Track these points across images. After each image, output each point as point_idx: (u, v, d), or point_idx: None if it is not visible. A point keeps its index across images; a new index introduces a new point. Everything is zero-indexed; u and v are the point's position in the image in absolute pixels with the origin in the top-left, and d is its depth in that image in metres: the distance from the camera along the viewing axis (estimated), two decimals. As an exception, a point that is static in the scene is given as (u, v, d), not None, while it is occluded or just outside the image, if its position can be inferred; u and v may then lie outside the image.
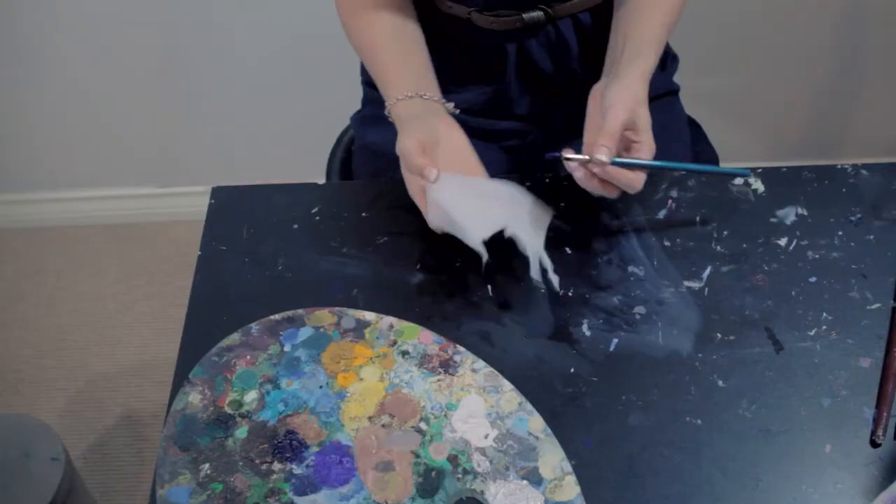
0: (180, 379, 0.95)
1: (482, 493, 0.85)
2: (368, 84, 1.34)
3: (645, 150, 0.97)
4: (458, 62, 1.23)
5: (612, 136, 0.95)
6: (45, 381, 1.99)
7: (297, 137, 2.04)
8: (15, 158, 2.20)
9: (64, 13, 1.93)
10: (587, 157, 0.96)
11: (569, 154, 0.97)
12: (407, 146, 1.00)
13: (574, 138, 1.22)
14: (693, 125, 1.35)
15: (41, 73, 2.03)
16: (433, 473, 0.87)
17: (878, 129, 2.10)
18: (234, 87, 2.04)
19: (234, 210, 1.11)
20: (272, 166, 2.10)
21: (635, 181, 0.96)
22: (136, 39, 1.96)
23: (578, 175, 0.97)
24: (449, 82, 1.16)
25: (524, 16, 1.18)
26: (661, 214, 1.07)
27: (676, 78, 1.32)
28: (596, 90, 1.03)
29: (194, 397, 0.93)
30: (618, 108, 0.96)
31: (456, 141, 1.06)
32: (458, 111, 1.13)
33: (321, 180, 1.41)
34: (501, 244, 0.99)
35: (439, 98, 1.11)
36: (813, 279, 1.00)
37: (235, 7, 1.91)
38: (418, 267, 1.03)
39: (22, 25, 1.95)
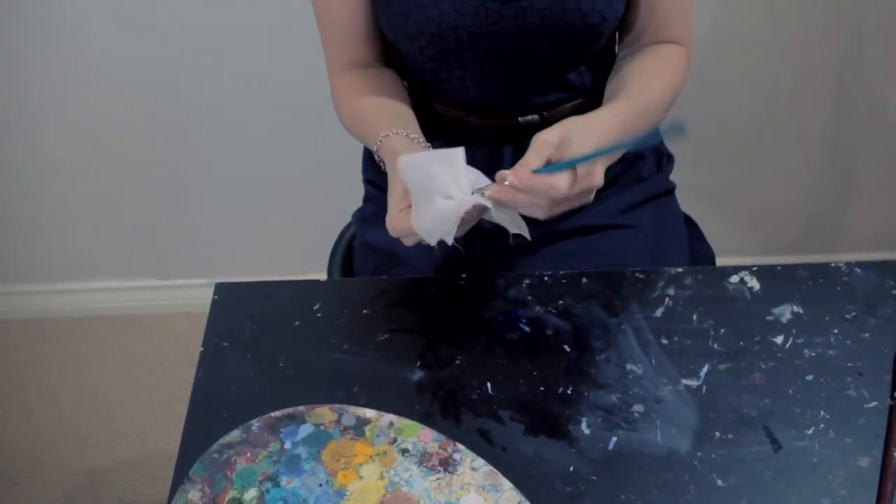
0: (180, 475, 0.95)
1: None
2: (369, 182, 1.36)
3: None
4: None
5: (528, 161, 0.94)
6: (42, 473, 1.98)
7: (299, 232, 2.06)
8: (17, 250, 2.22)
9: (65, 105, 1.97)
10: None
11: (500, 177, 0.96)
12: (392, 215, 1.00)
13: (569, 236, 1.24)
14: (689, 223, 1.38)
15: (42, 166, 2.06)
16: (432, 574, 0.87)
17: (871, 225, 2.13)
18: (237, 183, 2.07)
19: (236, 306, 1.12)
20: (274, 260, 2.12)
21: (554, 184, 0.94)
22: (139, 132, 2.00)
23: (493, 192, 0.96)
24: None
25: (520, 119, 1.22)
26: (659, 312, 1.08)
27: (672, 176, 1.35)
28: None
29: (194, 495, 0.93)
30: (544, 133, 0.96)
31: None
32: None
33: (323, 275, 1.43)
34: (500, 345, 1.00)
35: (423, 140, 1.12)
36: (810, 377, 1.01)
37: (240, 103, 1.95)
38: (418, 364, 1.04)
39: (25, 117, 1.99)
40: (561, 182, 0.94)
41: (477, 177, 0.99)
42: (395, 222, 0.99)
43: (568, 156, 0.95)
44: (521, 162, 0.95)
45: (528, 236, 0.99)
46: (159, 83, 1.94)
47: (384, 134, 1.10)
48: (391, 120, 1.14)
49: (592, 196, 0.99)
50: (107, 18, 1.86)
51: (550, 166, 0.95)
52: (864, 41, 1.88)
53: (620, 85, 1.15)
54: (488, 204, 0.96)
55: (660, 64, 1.18)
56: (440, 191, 0.95)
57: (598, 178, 0.97)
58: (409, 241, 1.00)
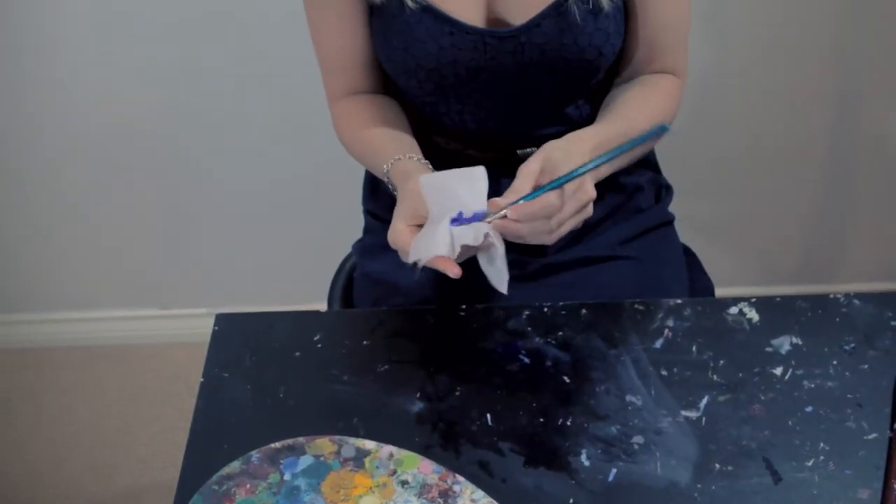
0: (180, 508, 0.95)
1: None
2: (370, 213, 1.37)
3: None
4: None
5: (514, 189, 0.98)
6: (40, 505, 1.98)
7: (300, 262, 2.07)
8: (16, 280, 2.22)
9: (66, 138, 1.98)
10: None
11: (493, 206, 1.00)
12: (396, 228, 1.02)
13: (569, 268, 1.25)
14: (688, 254, 1.38)
15: (41, 195, 2.07)
16: None
17: (870, 255, 2.13)
18: (237, 212, 2.08)
19: (237, 337, 1.13)
20: (274, 290, 2.13)
21: (547, 202, 0.97)
22: (138, 161, 2.01)
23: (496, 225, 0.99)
24: None
25: (519, 152, 1.23)
26: (658, 344, 1.08)
27: (671, 207, 1.35)
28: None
29: (193, 527, 0.93)
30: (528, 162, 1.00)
31: None
32: None
33: (323, 305, 1.43)
34: (498, 375, 1.00)
35: (428, 163, 1.13)
36: (809, 409, 1.01)
37: (239, 133, 1.96)
38: (418, 395, 1.04)
39: (27, 149, 2.00)
40: (553, 197, 0.98)
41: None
42: (397, 237, 1.01)
43: (554, 178, 0.99)
44: (510, 189, 0.99)
45: (504, 292, 1.00)
46: (159, 116, 1.95)
47: (396, 157, 1.12)
48: (398, 146, 1.16)
49: (591, 209, 1.02)
50: (108, 56, 1.88)
51: (539, 189, 0.99)
52: (861, 73, 1.90)
53: (608, 110, 1.17)
54: (497, 241, 0.98)
55: (650, 92, 1.19)
56: (462, 208, 0.99)
57: (591, 191, 1.01)
58: (405, 258, 1.02)
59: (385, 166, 1.13)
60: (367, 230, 1.39)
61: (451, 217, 0.99)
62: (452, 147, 1.25)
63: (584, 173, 0.99)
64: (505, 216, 0.98)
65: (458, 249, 0.98)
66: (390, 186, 1.14)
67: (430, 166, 1.13)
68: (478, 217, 0.99)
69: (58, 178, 2.05)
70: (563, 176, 0.99)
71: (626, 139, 1.09)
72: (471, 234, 0.98)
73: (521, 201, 0.99)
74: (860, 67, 1.89)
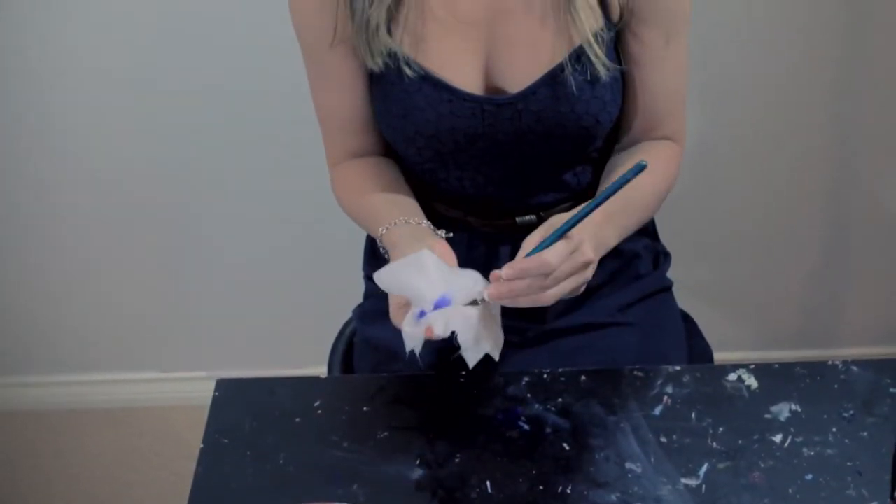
0: (178, 576, 0.94)
1: None
2: (369, 278, 1.38)
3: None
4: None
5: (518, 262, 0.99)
6: (34, 570, 1.95)
7: (300, 326, 2.07)
8: (15, 342, 2.22)
9: (64, 197, 1.99)
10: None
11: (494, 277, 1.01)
12: (393, 305, 1.04)
13: (569, 334, 1.26)
14: (686, 319, 1.39)
15: (40, 256, 2.08)
16: None
17: (868, 318, 2.14)
18: (238, 275, 2.09)
19: (237, 402, 1.13)
20: (275, 353, 2.12)
21: (544, 261, 0.99)
22: (138, 224, 2.02)
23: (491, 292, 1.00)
24: None
25: (517, 220, 1.24)
26: (657, 410, 1.08)
27: (669, 273, 1.36)
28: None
29: None
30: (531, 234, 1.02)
31: (449, 262, 1.07)
32: (451, 235, 1.16)
33: (323, 368, 1.44)
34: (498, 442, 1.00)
35: (428, 224, 1.15)
36: (809, 476, 1.01)
37: (241, 197, 1.98)
38: (418, 462, 1.04)
39: (23, 207, 2.02)
40: (550, 255, 0.99)
41: (472, 279, 1.02)
42: (394, 318, 1.03)
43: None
44: (513, 262, 1.00)
45: (470, 366, 1.02)
46: (159, 180, 1.97)
47: (386, 226, 1.13)
48: (393, 208, 1.17)
49: (590, 273, 1.03)
50: (109, 121, 1.91)
51: (538, 246, 1.01)
52: (858, 137, 1.92)
53: (609, 179, 1.18)
54: (457, 327, 0.99)
55: (651, 161, 1.20)
56: (415, 296, 1.00)
57: (588, 252, 1.02)
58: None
59: (378, 234, 1.15)
60: (367, 295, 1.40)
61: (418, 311, 1.00)
62: (452, 214, 1.27)
63: (576, 222, 1.01)
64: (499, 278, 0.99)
65: (448, 333, 0.99)
66: (382, 250, 1.15)
67: (424, 223, 1.14)
68: (445, 303, 1.00)
69: (57, 241, 2.06)
70: (558, 228, 1.01)
71: (631, 209, 1.12)
72: (459, 318, 1.00)
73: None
74: (857, 132, 1.92)
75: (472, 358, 1.01)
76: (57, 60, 1.85)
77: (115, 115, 1.91)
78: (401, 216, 1.14)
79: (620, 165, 1.21)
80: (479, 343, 1.01)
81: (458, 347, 1.01)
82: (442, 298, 1.00)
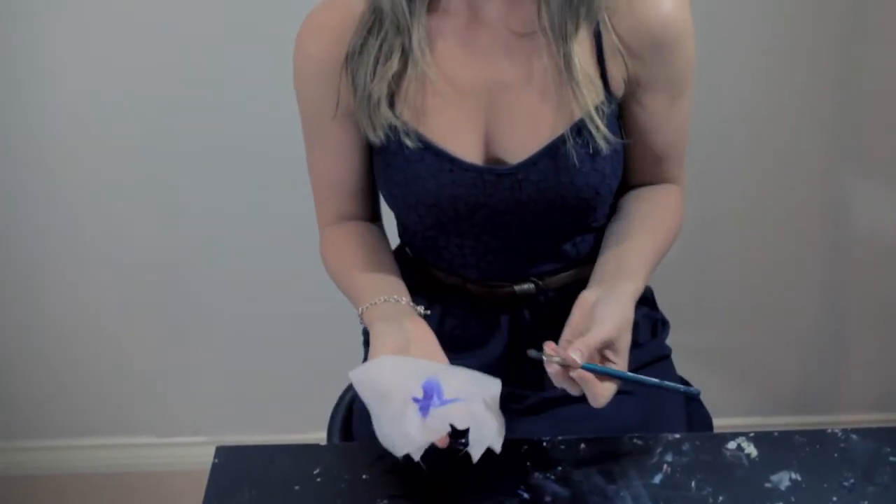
0: None
1: None
2: (368, 345, 1.38)
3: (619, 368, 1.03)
4: (452, 329, 1.29)
5: (590, 346, 1.01)
6: None
7: (300, 392, 2.06)
8: (13, 407, 2.21)
9: (64, 265, 2.00)
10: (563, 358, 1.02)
11: (550, 349, 1.02)
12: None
13: (569, 402, 1.25)
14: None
15: (36, 320, 2.08)
16: None
17: (867, 384, 2.14)
18: (237, 340, 2.09)
19: (236, 470, 1.12)
20: (274, 418, 2.12)
21: (600, 395, 1.02)
22: (136, 288, 2.03)
23: (551, 370, 1.02)
24: (443, 348, 1.21)
25: (516, 288, 1.25)
26: (657, 479, 1.08)
27: (668, 340, 1.37)
28: (584, 299, 1.08)
29: None
30: (608, 325, 1.03)
31: (426, 345, 1.10)
32: (428, 312, 1.18)
33: (323, 432, 1.43)
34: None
35: (408, 301, 1.16)
36: (810, 547, 1.01)
37: (239, 263, 1.99)
38: (417, 531, 1.03)
39: (23, 274, 2.03)
40: (604, 397, 1.04)
41: (467, 379, 1.04)
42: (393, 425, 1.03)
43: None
44: (586, 340, 1.03)
45: (475, 460, 1.02)
46: (157, 239, 1.99)
47: (366, 305, 1.16)
48: (375, 284, 1.19)
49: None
50: (108, 190, 1.93)
51: (598, 367, 1.03)
52: (856, 205, 1.94)
53: (627, 232, 1.19)
54: (444, 429, 1.00)
55: (661, 210, 1.23)
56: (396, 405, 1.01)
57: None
58: None
59: (361, 308, 1.17)
60: (368, 352, 1.40)
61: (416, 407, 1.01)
62: (451, 281, 1.28)
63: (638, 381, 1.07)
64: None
65: (446, 430, 1.00)
66: (362, 326, 1.16)
67: (404, 300, 1.16)
68: (438, 398, 1.01)
69: (54, 302, 2.07)
70: (621, 372, 1.05)
71: (654, 261, 1.15)
72: (458, 416, 1.00)
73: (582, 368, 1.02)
74: (856, 197, 1.93)
75: (477, 452, 1.01)
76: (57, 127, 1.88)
77: (115, 178, 1.93)
78: (381, 294, 1.16)
79: (632, 218, 1.22)
80: (484, 436, 1.01)
81: (463, 444, 1.01)
82: (428, 383, 1.01)
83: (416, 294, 1.25)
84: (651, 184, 1.27)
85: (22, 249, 2.01)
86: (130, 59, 1.84)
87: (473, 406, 1.01)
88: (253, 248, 1.98)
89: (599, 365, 1.03)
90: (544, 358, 1.03)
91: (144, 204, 1.95)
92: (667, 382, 1.10)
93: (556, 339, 1.26)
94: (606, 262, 1.16)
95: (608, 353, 1.04)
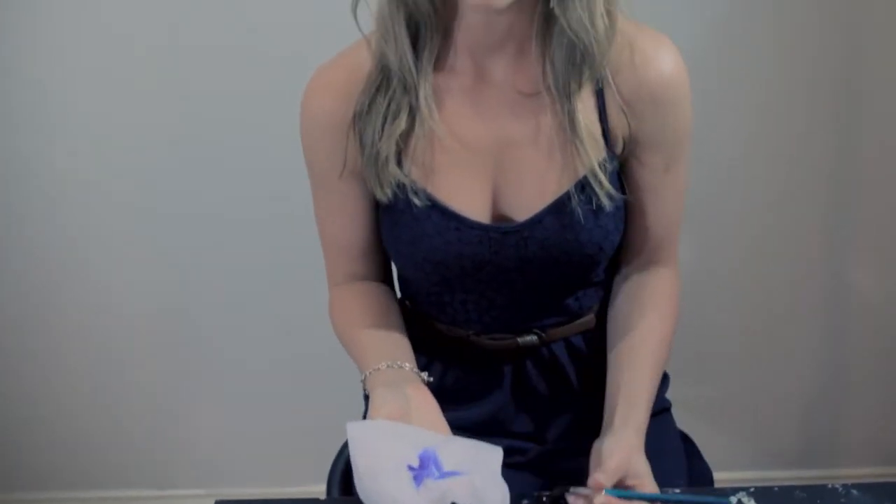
0: None
1: None
2: (368, 399, 1.38)
3: (647, 490, 1.05)
4: (454, 381, 1.29)
5: (609, 472, 1.03)
6: None
7: (300, 444, 2.06)
8: (12, 458, 2.20)
9: (62, 313, 2.01)
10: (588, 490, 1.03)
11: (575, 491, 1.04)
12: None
13: (571, 456, 1.25)
14: (686, 440, 1.39)
15: (37, 373, 2.09)
16: None
17: (868, 438, 2.13)
18: (237, 392, 2.09)
19: (236, 524, 1.12)
20: (274, 470, 2.11)
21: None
22: (135, 340, 2.04)
23: None
24: (445, 400, 1.21)
25: (519, 340, 1.25)
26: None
27: (668, 394, 1.37)
28: (594, 447, 1.10)
29: None
30: (616, 455, 1.05)
31: (428, 413, 1.10)
32: (431, 379, 1.18)
33: (322, 486, 1.43)
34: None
35: (412, 367, 1.16)
36: None
37: (240, 314, 2.00)
38: (418, 587, 1.03)
39: (20, 327, 2.04)
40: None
41: (468, 450, 1.05)
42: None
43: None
44: (604, 468, 1.05)
45: None
46: (159, 292, 1.99)
47: (370, 370, 1.16)
48: (380, 347, 1.20)
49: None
50: (107, 232, 1.94)
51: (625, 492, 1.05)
52: (852, 259, 1.95)
53: (616, 327, 1.21)
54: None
55: (658, 303, 1.24)
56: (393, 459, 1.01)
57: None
58: None
59: (365, 373, 1.17)
60: (367, 414, 1.40)
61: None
62: (454, 333, 1.28)
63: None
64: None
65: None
66: (364, 390, 1.17)
67: (407, 366, 1.17)
68: (436, 468, 1.01)
69: (54, 357, 2.07)
70: (662, 495, 1.08)
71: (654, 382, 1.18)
72: (459, 491, 0.99)
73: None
74: (853, 251, 1.94)
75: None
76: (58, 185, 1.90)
77: (116, 235, 1.94)
78: (385, 359, 1.17)
79: (625, 318, 1.24)
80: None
81: None
82: (425, 453, 1.01)
83: (418, 346, 1.26)
84: (646, 257, 1.27)
85: (20, 303, 2.02)
86: (133, 117, 1.86)
87: (475, 479, 1.00)
88: (254, 299, 1.98)
89: (622, 490, 1.05)
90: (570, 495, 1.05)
91: (146, 258, 1.96)
92: (695, 497, 1.12)
93: (557, 389, 1.28)
94: (611, 392, 1.19)
95: (630, 482, 1.06)
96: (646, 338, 1.19)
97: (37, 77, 1.85)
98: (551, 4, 1.12)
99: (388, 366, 1.16)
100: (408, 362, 1.17)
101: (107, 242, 1.96)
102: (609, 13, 1.11)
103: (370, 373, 1.16)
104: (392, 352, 1.19)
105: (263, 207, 1.90)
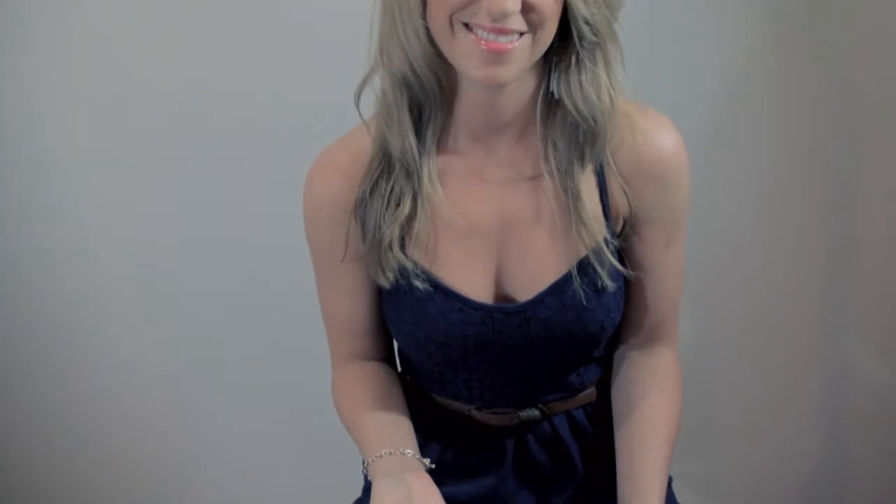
0: None
1: None
2: (367, 492, 1.38)
3: None
4: (455, 455, 1.28)
5: None
6: None
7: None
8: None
9: (59, 398, 2.00)
10: None
11: None
12: None
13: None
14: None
15: (37, 423, 2.07)
16: None
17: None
18: (233, 465, 2.07)
19: None
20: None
21: None
22: (136, 413, 2.02)
23: None
24: (446, 474, 1.21)
25: (521, 414, 1.25)
26: None
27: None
28: None
29: None
30: None
31: (429, 500, 1.09)
32: (433, 466, 1.17)
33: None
34: None
35: (414, 453, 1.16)
36: None
37: (237, 381, 1.99)
38: None
39: (22, 397, 2.02)
40: None
41: None
42: None
43: None
44: None
45: None
46: (154, 387, 1.99)
47: (372, 457, 1.16)
48: (383, 432, 1.20)
49: None
50: (108, 308, 1.94)
51: None
52: (851, 335, 1.95)
53: (638, 436, 1.20)
54: None
55: (662, 388, 1.24)
56: None
57: None
58: None
59: (367, 460, 1.17)
60: (365, 490, 1.39)
61: None
62: (456, 408, 1.28)
63: None
64: None
65: None
66: (367, 476, 1.17)
67: (409, 453, 1.16)
68: None
69: (53, 405, 2.05)
70: None
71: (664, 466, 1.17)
72: None
73: None
74: (850, 328, 1.94)
75: None
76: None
77: (117, 316, 1.94)
78: (388, 446, 1.17)
79: (631, 401, 1.24)
80: None
81: None
82: None
83: (419, 421, 1.26)
84: (647, 335, 1.27)
85: (19, 399, 2.02)
86: (133, 196, 1.87)
87: None
88: (253, 372, 1.98)
89: None
90: None
91: (142, 340, 1.96)
92: None
93: (559, 464, 1.27)
94: (622, 473, 1.19)
95: None
96: (656, 425, 1.18)
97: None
98: (551, 87, 1.14)
99: (389, 453, 1.15)
100: (410, 448, 1.17)
101: (102, 318, 1.95)
102: (610, 94, 1.13)
103: (372, 460, 1.16)
104: (394, 438, 1.19)
105: (264, 284, 1.90)
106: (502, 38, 1.04)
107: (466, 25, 1.05)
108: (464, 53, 1.07)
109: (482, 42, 1.04)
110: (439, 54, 1.10)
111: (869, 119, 1.81)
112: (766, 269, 1.89)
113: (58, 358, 1.99)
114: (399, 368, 1.36)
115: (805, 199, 1.87)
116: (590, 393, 1.29)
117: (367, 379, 1.27)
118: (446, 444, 1.29)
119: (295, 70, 1.75)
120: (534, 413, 1.26)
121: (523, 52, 1.06)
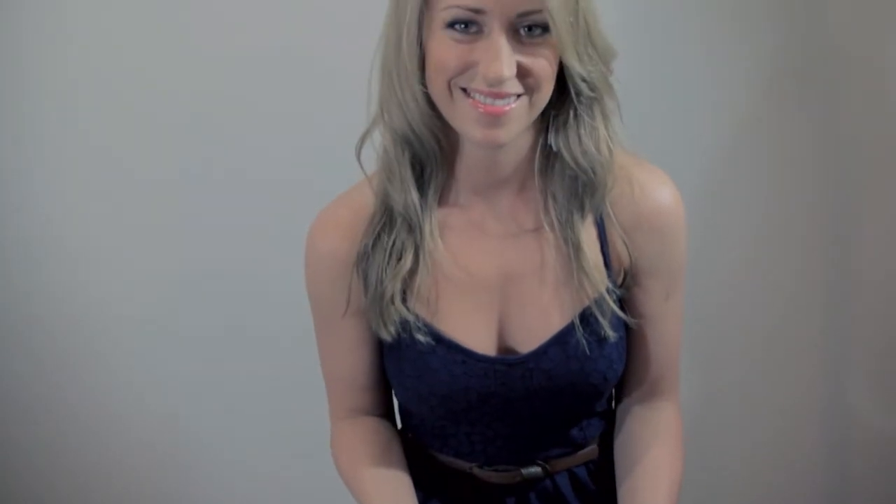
0: None
1: None
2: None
3: None
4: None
5: None
6: None
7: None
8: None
9: (58, 421, 1.99)
10: None
11: None
12: None
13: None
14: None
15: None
16: None
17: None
18: (234, 492, 2.06)
19: None
20: None
21: None
22: (136, 440, 2.01)
23: None
24: None
25: (523, 471, 1.24)
26: None
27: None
28: None
29: None
30: None
31: None
32: None
33: None
34: None
35: None
36: None
37: (236, 421, 1.98)
38: None
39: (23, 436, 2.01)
40: None
41: None
42: None
43: None
44: None
45: None
46: (155, 428, 1.98)
47: None
48: (383, 492, 1.19)
49: None
50: (109, 350, 1.94)
51: None
52: (851, 388, 1.95)
53: (641, 491, 1.19)
54: None
55: (666, 449, 1.23)
56: None
57: None
58: None
59: None
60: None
61: None
62: (457, 466, 1.27)
63: None
64: None
65: None
66: None
67: None
68: None
69: (52, 475, 2.04)
70: None
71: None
72: None
73: None
74: (848, 378, 1.94)
75: None
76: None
77: (118, 358, 1.94)
78: (388, 502, 1.17)
79: (633, 457, 1.23)
80: None
81: None
82: None
83: (419, 479, 1.25)
84: (648, 388, 1.27)
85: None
86: (133, 256, 1.87)
87: None
88: (251, 406, 1.97)
89: None
90: None
91: (142, 384, 1.95)
92: None
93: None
94: None
95: None
96: (658, 479, 1.17)
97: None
98: (549, 140, 1.15)
99: None
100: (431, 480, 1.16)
101: (102, 360, 1.94)
102: (609, 146, 1.14)
103: None
104: (394, 494, 1.18)
105: (264, 339, 1.90)
106: (499, 102, 1.05)
107: (464, 90, 1.07)
108: (462, 117, 1.08)
109: (480, 106, 1.06)
110: (439, 116, 1.12)
111: (865, 173, 1.84)
112: (766, 318, 1.90)
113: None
114: (399, 426, 1.35)
115: (803, 251, 1.88)
116: (592, 450, 1.28)
117: (367, 434, 1.26)
118: (447, 502, 1.28)
119: (290, 124, 1.77)
120: (536, 471, 1.24)
121: (521, 113, 1.08)
